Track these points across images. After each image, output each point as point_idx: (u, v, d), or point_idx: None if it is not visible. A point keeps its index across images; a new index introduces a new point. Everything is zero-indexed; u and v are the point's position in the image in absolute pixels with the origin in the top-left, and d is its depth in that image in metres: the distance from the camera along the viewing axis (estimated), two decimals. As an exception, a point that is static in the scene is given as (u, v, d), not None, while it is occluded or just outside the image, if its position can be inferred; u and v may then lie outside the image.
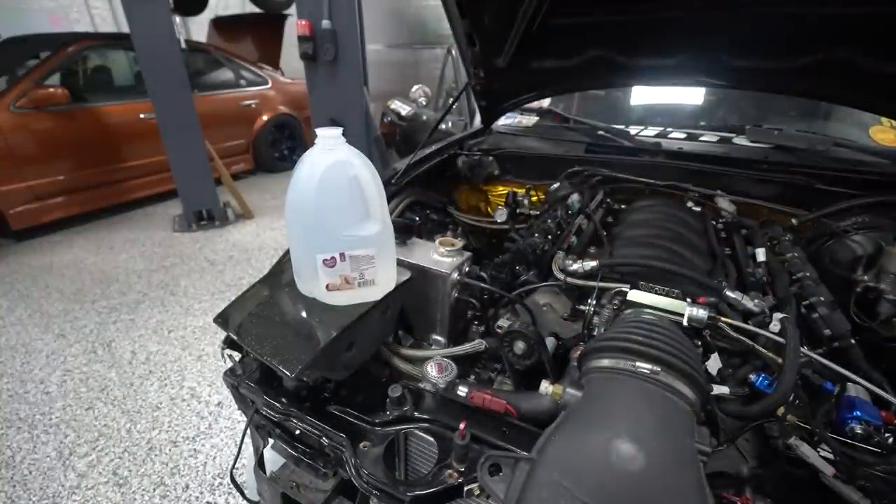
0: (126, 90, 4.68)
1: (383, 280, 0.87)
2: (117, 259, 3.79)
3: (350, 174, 0.77)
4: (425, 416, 0.89)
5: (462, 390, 0.87)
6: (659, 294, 0.91)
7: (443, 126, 2.32)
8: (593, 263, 1.01)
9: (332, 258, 0.79)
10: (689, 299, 0.88)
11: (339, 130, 0.78)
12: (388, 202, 1.13)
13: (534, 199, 1.61)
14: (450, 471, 0.78)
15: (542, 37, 1.43)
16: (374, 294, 0.88)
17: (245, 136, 5.62)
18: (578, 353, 0.83)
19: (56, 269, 3.61)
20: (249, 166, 5.85)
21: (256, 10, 6.90)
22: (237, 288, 3.33)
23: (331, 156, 0.77)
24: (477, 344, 1.02)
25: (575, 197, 1.37)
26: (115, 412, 2.23)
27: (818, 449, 0.73)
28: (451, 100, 3.32)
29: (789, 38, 1.27)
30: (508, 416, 0.84)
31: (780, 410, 0.74)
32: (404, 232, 1.10)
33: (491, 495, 0.62)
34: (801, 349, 0.79)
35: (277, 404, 0.93)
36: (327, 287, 0.83)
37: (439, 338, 1.09)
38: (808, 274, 1.06)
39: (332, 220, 0.78)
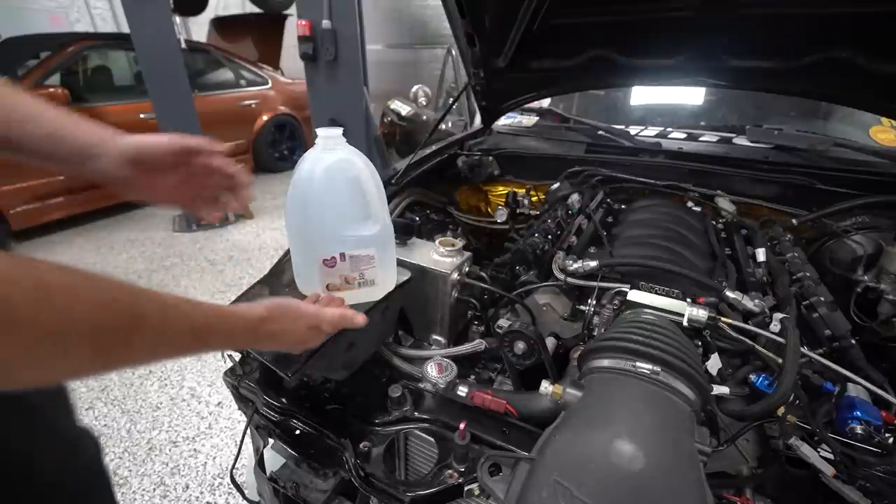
0: (126, 90, 4.68)
1: (383, 280, 0.87)
2: (117, 259, 3.79)
3: (351, 174, 0.77)
4: (425, 417, 0.90)
5: (462, 390, 0.87)
6: (659, 294, 0.91)
7: (443, 126, 2.32)
8: (593, 263, 1.01)
9: (333, 258, 0.79)
10: (689, 299, 0.89)
11: (340, 130, 0.78)
12: (388, 202, 1.13)
13: (534, 199, 1.61)
14: (450, 471, 0.78)
15: (542, 37, 1.43)
16: (375, 294, 0.88)
17: (245, 136, 5.62)
18: (578, 353, 0.83)
19: (56, 269, 3.61)
20: (249, 166, 5.84)
21: (256, 10, 6.90)
22: (237, 288, 3.33)
23: (331, 155, 0.77)
24: (477, 344, 1.02)
25: (575, 197, 1.37)
26: (115, 412, 2.23)
27: (818, 449, 0.73)
28: (451, 100, 3.32)
29: (789, 38, 1.27)
30: (508, 417, 0.84)
31: (781, 410, 0.74)
32: (404, 232, 1.10)
33: (491, 495, 0.62)
34: (802, 349, 0.79)
35: (277, 404, 0.93)
36: (327, 287, 0.83)
37: (439, 338, 1.09)
38: (808, 274, 1.06)
39: (333, 219, 0.78)
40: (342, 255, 0.79)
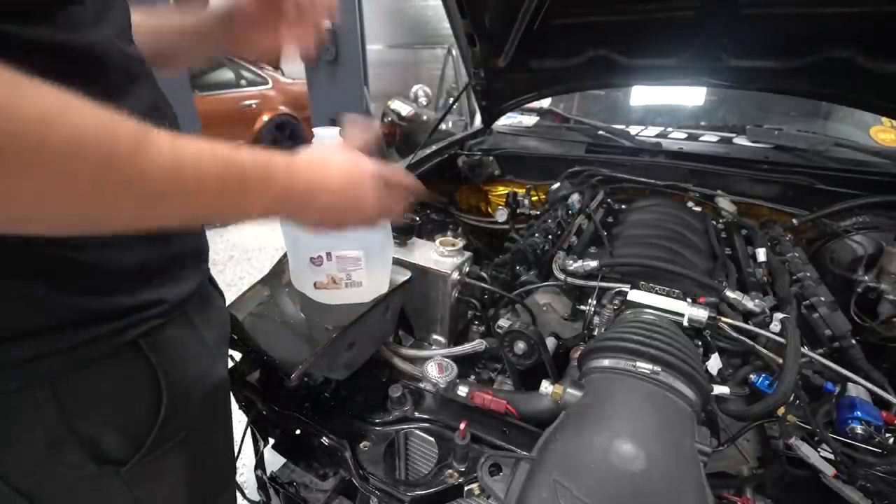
0: (126, 90, 4.67)
1: (372, 283, 0.86)
2: (117, 259, 3.79)
3: None
4: (425, 416, 0.90)
5: (462, 390, 0.87)
6: (659, 294, 0.91)
7: (443, 126, 2.32)
8: (594, 263, 1.01)
9: (319, 256, 0.79)
10: (689, 299, 0.88)
11: (336, 130, 0.78)
12: (389, 202, 1.13)
13: (534, 199, 1.61)
14: (450, 471, 0.78)
15: (542, 37, 1.43)
16: (363, 296, 0.87)
17: (245, 136, 5.61)
18: (579, 353, 0.83)
19: (56, 269, 3.60)
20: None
21: (257, 10, 6.89)
22: (237, 288, 3.31)
23: None
24: (477, 344, 1.02)
25: (575, 197, 1.37)
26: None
27: (819, 449, 0.73)
28: (451, 100, 3.32)
29: (789, 38, 1.27)
30: (509, 416, 0.84)
31: (781, 410, 0.74)
32: (404, 232, 1.10)
33: (491, 495, 0.62)
34: (802, 349, 0.79)
35: (278, 404, 0.94)
36: (315, 285, 0.84)
37: (439, 338, 1.09)
38: (808, 274, 1.06)
39: None
40: (328, 255, 0.79)
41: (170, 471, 0.70)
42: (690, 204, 1.44)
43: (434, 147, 1.70)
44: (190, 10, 0.82)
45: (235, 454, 0.94)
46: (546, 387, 0.76)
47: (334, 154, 0.63)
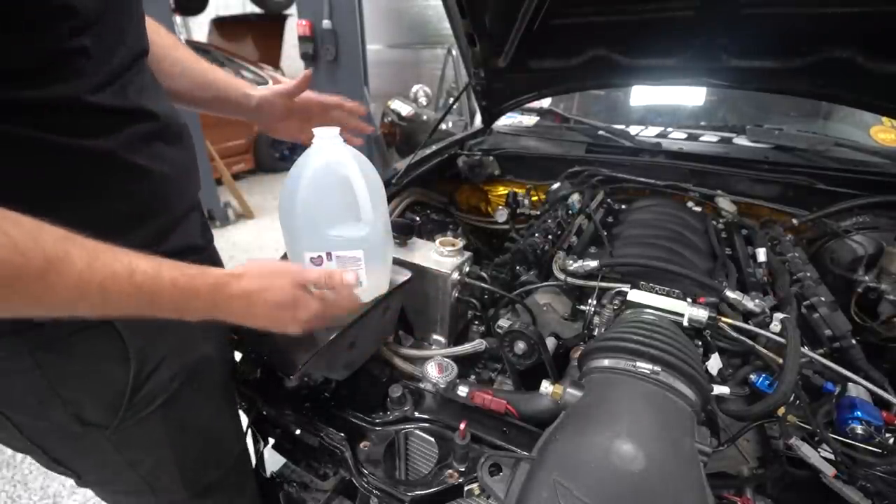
0: (126, 90, 4.67)
1: (372, 283, 0.86)
2: (118, 259, 3.78)
3: (342, 174, 0.77)
4: (426, 416, 0.90)
5: (462, 390, 0.87)
6: (659, 294, 0.91)
7: (443, 126, 2.32)
8: (594, 263, 1.01)
9: (319, 256, 0.79)
10: (689, 299, 0.88)
11: (336, 130, 0.78)
12: (388, 202, 1.13)
13: (534, 199, 1.61)
14: (450, 471, 0.78)
15: (542, 37, 1.43)
16: (363, 296, 0.87)
17: (245, 136, 5.62)
18: (579, 353, 0.83)
19: (56, 268, 3.60)
20: (250, 166, 5.85)
21: (257, 10, 6.91)
22: (237, 288, 3.32)
23: (324, 155, 0.77)
24: (477, 344, 1.02)
25: (575, 197, 1.37)
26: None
27: (819, 449, 0.73)
28: (451, 100, 3.32)
29: (789, 38, 1.27)
30: (509, 416, 0.85)
31: (781, 411, 0.74)
32: (404, 232, 1.10)
33: (491, 495, 0.62)
34: (802, 349, 0.79)
35: (277, 404, 0.93)
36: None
37: (439, 338, 1.09)
38: (808, 274, 1.06)
39: (320, 219, 0.78)
40: (329, 255, 0.79)
41: (155, 439, 0.76)
42: (690, 204, 1.44)
43: (434, 147, 1.70)
44: (235, 82, 0.97)
45: (243, 436, 0.98)
46: (546, 387, 0.76)
47: (270, 281, 0.66)
